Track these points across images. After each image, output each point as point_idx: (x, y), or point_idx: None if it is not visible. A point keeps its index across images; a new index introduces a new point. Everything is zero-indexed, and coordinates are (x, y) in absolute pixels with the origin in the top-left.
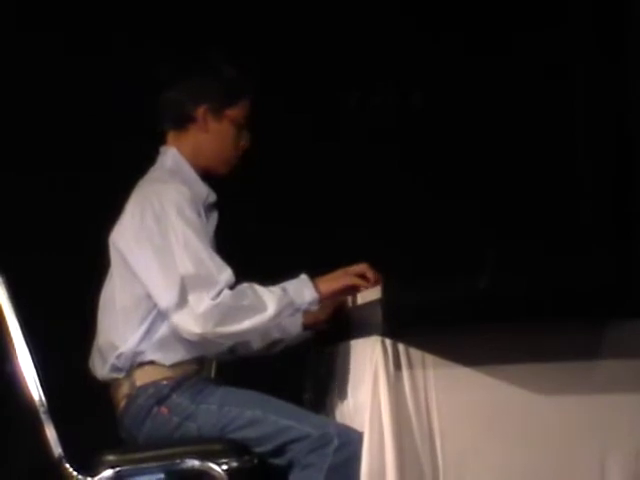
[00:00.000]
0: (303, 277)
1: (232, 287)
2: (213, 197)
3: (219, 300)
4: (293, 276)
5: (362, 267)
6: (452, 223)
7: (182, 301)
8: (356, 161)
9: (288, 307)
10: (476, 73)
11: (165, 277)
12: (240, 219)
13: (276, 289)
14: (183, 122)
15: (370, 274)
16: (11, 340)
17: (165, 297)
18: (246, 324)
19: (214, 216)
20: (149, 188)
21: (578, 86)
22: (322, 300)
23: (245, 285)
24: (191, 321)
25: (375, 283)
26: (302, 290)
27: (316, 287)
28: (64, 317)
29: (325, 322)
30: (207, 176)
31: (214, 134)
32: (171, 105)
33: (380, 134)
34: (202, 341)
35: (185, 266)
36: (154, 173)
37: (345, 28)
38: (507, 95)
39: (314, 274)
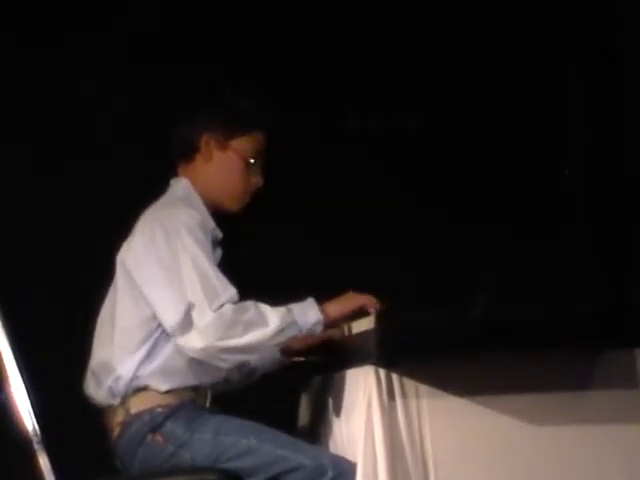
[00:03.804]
0: (309, 300)
1: (236, 303)
2: (219, 234)
3: (220, 312)
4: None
5: (369, 297)
6: (446, 250)
7: (188, 322)
8: (349, 183)
9: (291, 326)
10: (471, 94)
11: (172, 299)
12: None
13: (281, 308)
14: (189, 152)
15: (376, 305)
16: (4, 368)
17: (171, 318)
18: (247, 338)
19: (218, 252)
20: (161, 210)
21: (574, 106)
22: (328, 322)
23: (249, 302)
24: (194, 336)
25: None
26: (307, 311)
27: (322, 309)
28: (59, 345)
29: (299, 353)
30: (217, 212)
31: (219, 164)
32: (178, 137)
33: (373, 155)
34: (204, 357)
35: (194, 289)
36: (166, 200)
37: (340, 49)
38: (502, 116)
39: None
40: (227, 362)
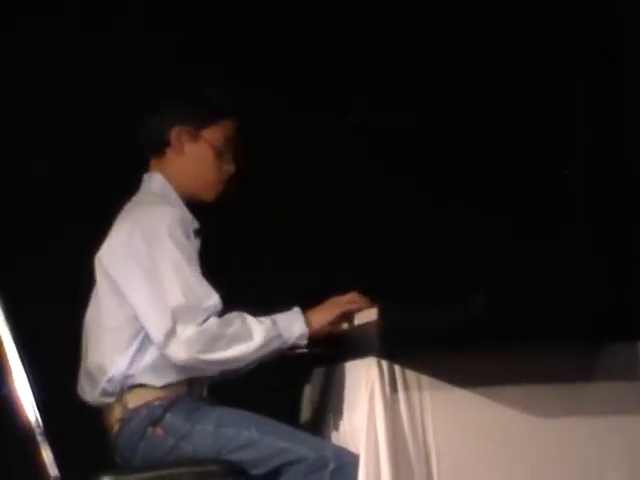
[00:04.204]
0: (295, 310)
1: (221, 314)
2: (196, 224)
3: (204, 327)
4: (286, 305)
5: (352, 295)
6: (449, 243)
7: (171, 331)
8: (351, 180)
9: (275, 340)
10: (472, 93)
11: (156, 308)
12: (233, 238)
13: (266, 320)
14: (160, 147)
15: (361, 302)
16: (6, 361)
17: (155, 329)
18: (230, 352)
19: (197, 242)
20: (139, 209)
21: (574, 100)
22: (312, 334)
23: (234, 314)
24: (177, 347)
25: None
26: (292, 324)
27: (307, 321)
28: (62, 337)
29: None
30: (192, 203)
31: (191, 156)
32: (148, 131)
33: (376, 152)
34: (187, 367)
35: (176, 296)
36: (142, 196)
37: (341, 46)
38: (503, 116)
39: (307, 295)
40: (212, 371)
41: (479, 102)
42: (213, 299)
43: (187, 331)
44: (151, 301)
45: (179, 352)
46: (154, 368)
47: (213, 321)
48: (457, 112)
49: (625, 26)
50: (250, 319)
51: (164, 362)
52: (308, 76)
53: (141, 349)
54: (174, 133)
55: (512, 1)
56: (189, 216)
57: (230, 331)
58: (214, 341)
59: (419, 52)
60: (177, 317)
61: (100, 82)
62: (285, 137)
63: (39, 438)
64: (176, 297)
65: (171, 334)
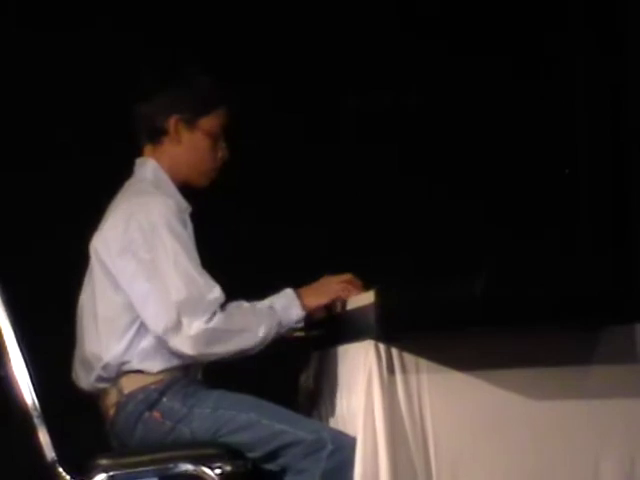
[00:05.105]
0: (289, 293)
1: (223, 305)
2: (189, 209)
3: (211, 324)
4: (282, 281)
5: (347, 277)
6: (449, 225)
7: (176, 325)
8: (352, 162)
9: (276, 327)
10: (474, 74)
11: (158, 301)
12: (230, 220)
13: (264, 308)
14: (157, 135)
15: (355, 284)
16: (4, 344)
17: (158, 321)
18: (236, 345)
19: (190, 227)
20: (134, 199)
21: (577, 86)
22: (308, 315)
23: (234, 305)
24: (185, 343)
25: (360, 292)
26: (290, 309)
27: (302, 305)
28: (59, 321)
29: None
30: (186, 188)
31: (188, 145)
32: (144, 119)
33: (376, 135)
34: (194, 360)
35: (177, 288)
36: (137, 185)
37: (341, 29)
38: (505, 97)
39: (305, 274)
40: (216, 359)
41: (485, 96)
42: (215, 291)
43: (194, 327)
44: (152, 294)
45: (186, 347)
46: (150, 354)
47: (219, 317)
48: (458, 101)
49: (629, 24)
50: (250, 309)
51: (160, 348)
52: (303, 77)
53: (137, 336)
54: (172, 123)
55: None
56: (184, 203)
57: (235, 326)
58: (222, 337)
59: (418, 45)
60: (181, 311)
61: (89, 72)
62: (279, 139)
63: (36, 421)
64: (178, 290)
65: (176, 328)
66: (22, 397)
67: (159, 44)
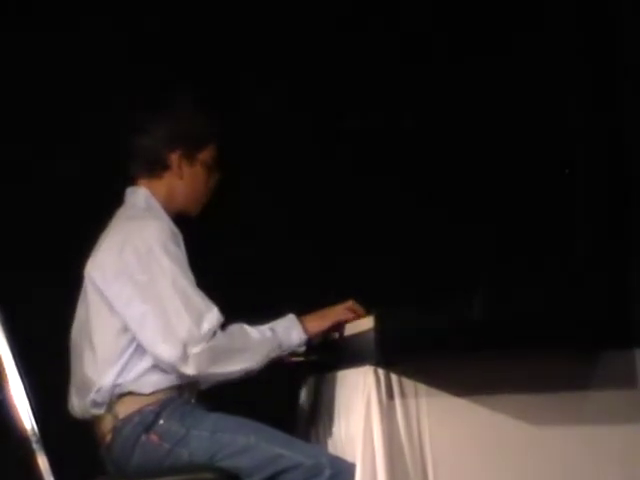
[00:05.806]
0: (291, 317)
1: (223, 325)
2: (180, 236)
3: (212, 343)
4: (283, 307)
5: (348, 304)
6: (445, 250)
7: (179, 353)
8: (348, 187)
9: (276, 349)
10: (468, 94)
11: (158, 328)
12: (226, 244)
13: (265, 330)
14: (157, 169)
15: (356, 309)
16: (3, 368)
17: (163, 350)
18: (237, 366)
19: (183, 249)
20: (128, 224)
21: (570, 106)
22: (309, 340)
23: (236, 327)
24: (186, 363)
25: (361, 317)
26: (290, 332)
27: (304, 328)
28: (59, 345)
29: (298, 353)
30: (178, 217)
31: (188, 179)
32: (143, 152)
33: (372, 159)
34: (194, 380)
35: (178, 314)
36: (129, 211)
37: (337, 51)
38: (500, 115)
39: (306, 300)
40: (218, 381)
41: (479, 103)
42: (214, 312)
43: (196, 348)
44: (149, 314)
45: (188, 368)
46: (144, 376)
47: (219, 337)
48: (456, 112)
49: (625, 24)
50: (251, 330)
51: (153, 371)
52: (301, 100)
53: (133, 359)
54: (175, 158)
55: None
56: (175, 229)
57: (235, 345)
58: (221, 356)
59: (414, 53)
60: (185, 339)
61: (82, 91)
62: (276, 161)
63: (35, 446)
64: (179, 317)
65: (180, 356)
66: (21, 422)
67: (150, 59)
